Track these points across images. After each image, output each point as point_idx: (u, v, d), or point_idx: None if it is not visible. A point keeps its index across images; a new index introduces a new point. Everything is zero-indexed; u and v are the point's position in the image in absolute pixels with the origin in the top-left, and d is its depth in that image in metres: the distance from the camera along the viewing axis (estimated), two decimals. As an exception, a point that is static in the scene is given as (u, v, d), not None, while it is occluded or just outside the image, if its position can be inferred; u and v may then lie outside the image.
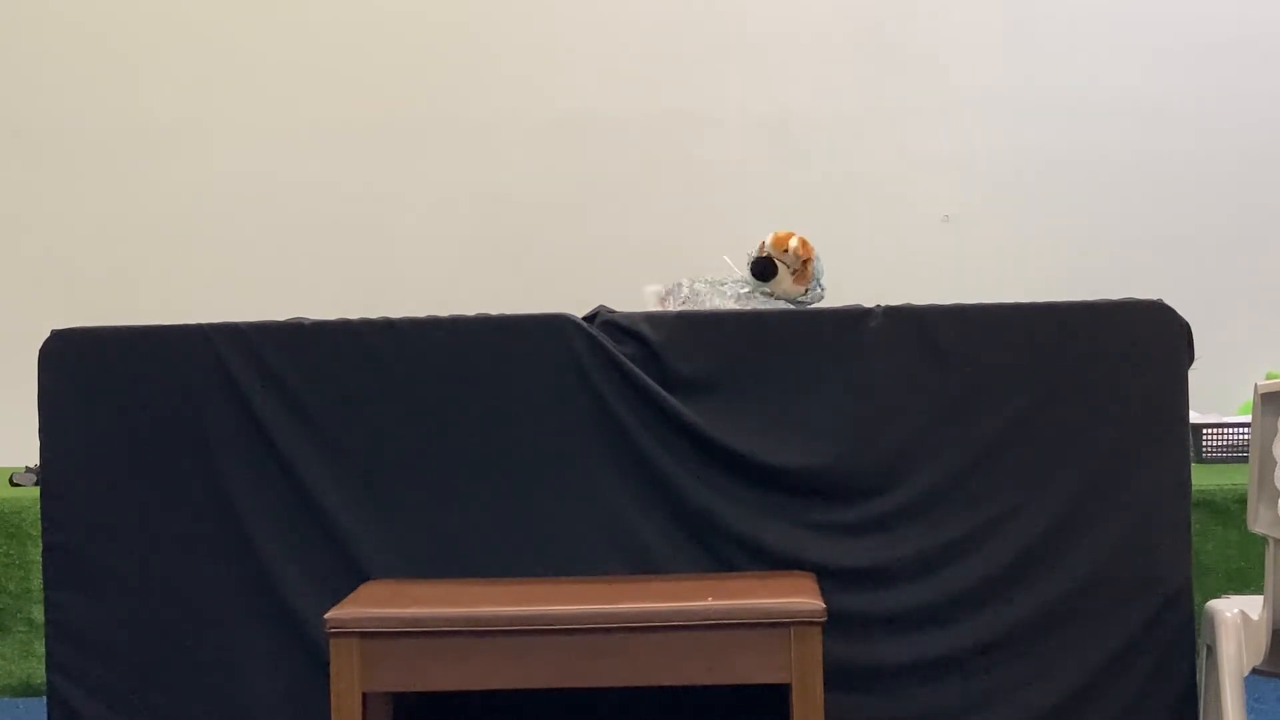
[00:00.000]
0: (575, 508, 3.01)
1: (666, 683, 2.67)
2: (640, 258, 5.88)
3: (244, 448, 3.04)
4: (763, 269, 3.27)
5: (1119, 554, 2.99)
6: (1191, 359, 3.02)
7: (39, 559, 3.42)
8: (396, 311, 3.11)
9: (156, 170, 6.04)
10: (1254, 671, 2.81)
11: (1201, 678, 2.95)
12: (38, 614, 4.44)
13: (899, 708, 2.98)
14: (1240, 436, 5.00)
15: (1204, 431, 5.05)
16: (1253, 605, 2.81)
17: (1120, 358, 3.01)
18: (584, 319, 3.06)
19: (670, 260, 5.82)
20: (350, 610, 2.70)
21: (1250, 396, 2.74)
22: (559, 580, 2.94)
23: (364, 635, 2.66)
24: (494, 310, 3.12)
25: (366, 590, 2.88)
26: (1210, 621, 2.85)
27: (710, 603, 2.66)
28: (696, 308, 3.23)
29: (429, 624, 2.66)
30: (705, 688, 2.90)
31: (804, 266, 3.27)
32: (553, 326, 3.04)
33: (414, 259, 6.00)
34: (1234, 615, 2.80)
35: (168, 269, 5.97)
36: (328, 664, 2.69)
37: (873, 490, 3.01)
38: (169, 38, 6.05)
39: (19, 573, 4.53)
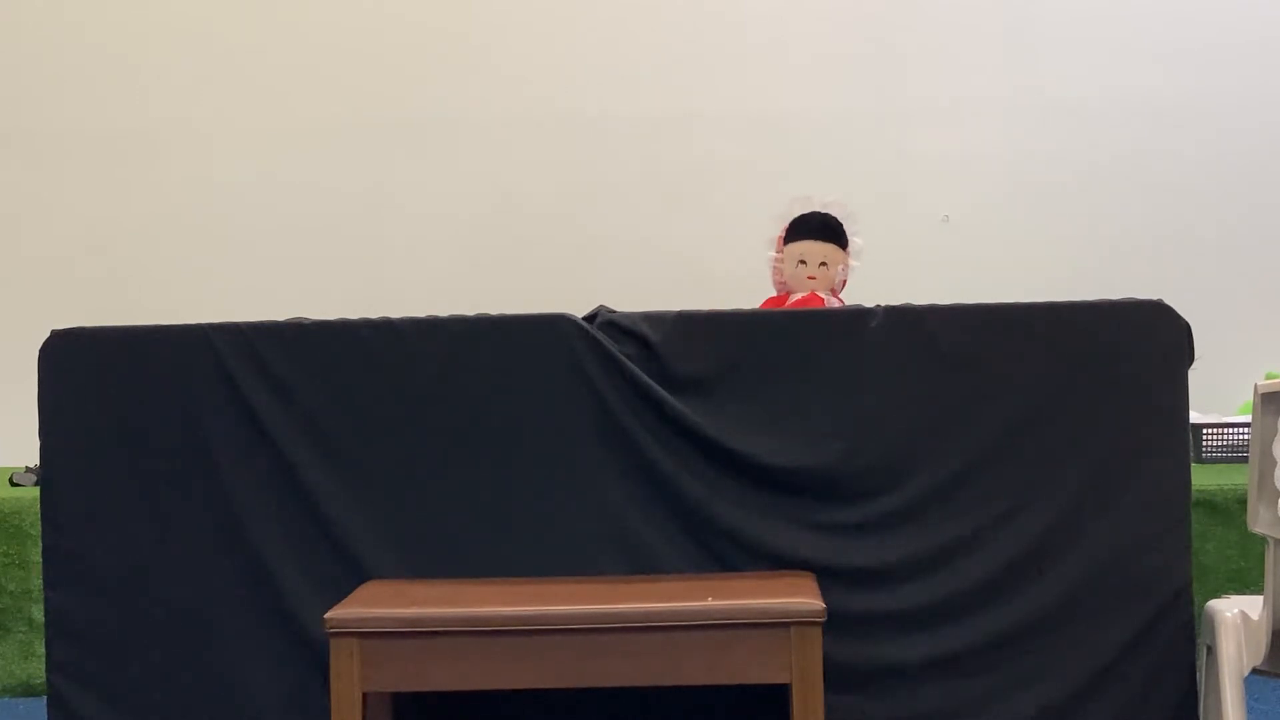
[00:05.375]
0: (575, 508, 3.01)
1: (666, 683, 2.67)
2: (640, 258, 5.89)
3: (244, 448, 3.04)
4: None
5: (1119, 554, 2.99)
6: (1191, 359, 3.02)
7: (39, 559, 3.42)
8: (396, 311, 3.11)
9: (157, 171, 6.04)
10: (1254, 671, 2.81)
11: (1201, 678, 2.95)
12: (38, 614, 4.45)
13: (899, 708, 2.98)
14: (1240, 436, 5.00)
15: (1204, 431, 5.05)
16: (1253, 605, 2.81)
17: (1120, 358, 3.01)
18: (584, 319, 3.06)
19: (670, 260, 5.86)
20: (350, 610, 2.70)
21: (1250, 396, 2.74)
22: (559, 580, 2.94)
23: (364, 635, 2.66)
24: (494, 310, 3.12)
25: (366, 590, 2.88)
26: (1210, 621, 2.85)
27: (710, 603, 2.66)
28: None
29: (429, 624, 2.66)
30: (705, 688, 2.90)
31: None
32: (553, 326, 3.04)
33: (414, 259, 6.00)
34: (1234, 615, 2.80)
35: (168, 269, 5.97)
36: (328, 664, 2.69)
37: (873, 490, 3.01)
38: (169, 39, 6.05)
39: (19, 573, 4.53)
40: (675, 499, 3.01)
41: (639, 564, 3.00)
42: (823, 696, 2.66)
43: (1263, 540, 2.75)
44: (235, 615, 3.03)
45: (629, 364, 3.01)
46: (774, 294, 4.22)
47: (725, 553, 3.01)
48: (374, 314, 3.09)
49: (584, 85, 6.04)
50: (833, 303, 4.09)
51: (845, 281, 4.20)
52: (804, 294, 4.10)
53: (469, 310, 3.14)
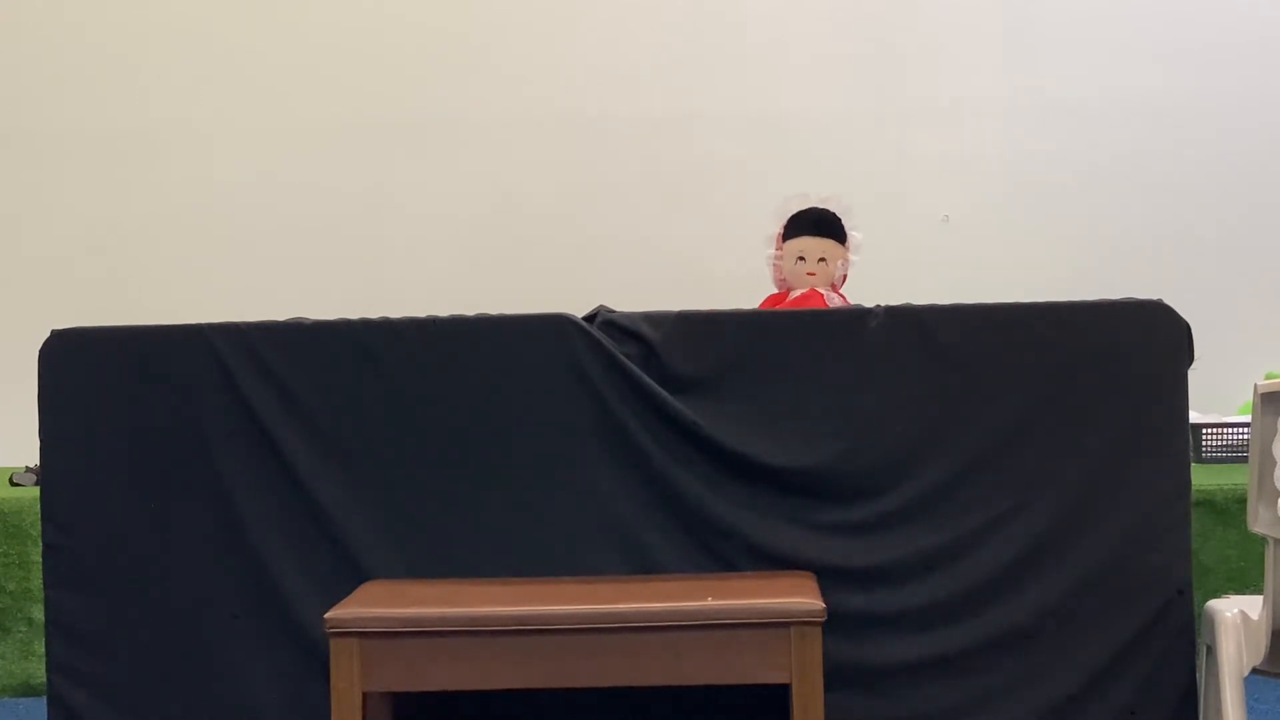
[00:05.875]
0: (575, 508, 3.01)
1: (666, 683, 2.67)
2: (640, 257, 5.89)
3: (244, 448, 3.04)
4: None
5: (1119, 554, 2.99)
6: (1191, 359, 3.02)
7: (39, 559, 3.42)
8: (396, 311, 3.11)
9: (156, 171, 6.04)
10: (1254, 671, 2.81)
11: (1201, 678, 2.95)
12: (38, 614, 4.45)
13: (899, 708, 2.98)
14: (1240, 436, 5.00)
15: (1204, 431, 5.05)
16: (1253, 605, 2.81)
17: (1120, 358, 3.01)
18: (584, 319, 3.06)
19: (670, 260, 5.86)
20: (350, 610, 2.70)
21: (1250, 396, 2.74)
22: (559, 580, 2.94)
23: (364, 635, 2.66)
24: (494, 310, 3.12)
25: (366, 590, 2.88)
26: (1210, 621, 2.85)
27: (710, 603, 2.66)
28: None
29: (429, 624, 2.66)
30: (705, 688, 2.90)
31: None
32: (553, 326, 3.04)
33: (414, 259, 6.00)
34: (1234, 615, 2.80)
35: (168, 269, 5.97)
36: (328, 664, 2.69)
37: (873, 490, 3.01)
38: (169, 39, 6.06)
39: (19, 573, 4.53)
40: (675, 499, 3.01)
41: (639, 564, 3.00)
42: (823, 696, 2.66)
43: (1263, 540, 2.75)
44: (235, 615, 3.03)
45: (629, 364, 3.01)
46: (774, 291, 4.23)
47: (725, 553, 3.01)
48: (374, 314, 3.09)
49: (584, 85, 6.04)
50: (833, 298, 4.11)
51: (845, 276, 4.21)
52: (803, 290, 4.11)
53: (469, 310, 3.14)
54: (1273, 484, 2.68)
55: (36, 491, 3.64)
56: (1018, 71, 5.98)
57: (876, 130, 6.00)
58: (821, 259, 4.14)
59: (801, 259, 4.15)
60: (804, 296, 4.09)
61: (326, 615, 2.69)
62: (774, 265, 4.22)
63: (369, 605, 2.72)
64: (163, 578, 3.04)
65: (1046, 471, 3.00)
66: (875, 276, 4.33)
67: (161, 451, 3.05)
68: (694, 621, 2.65)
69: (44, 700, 3.10)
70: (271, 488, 3.04)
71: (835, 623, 2.83)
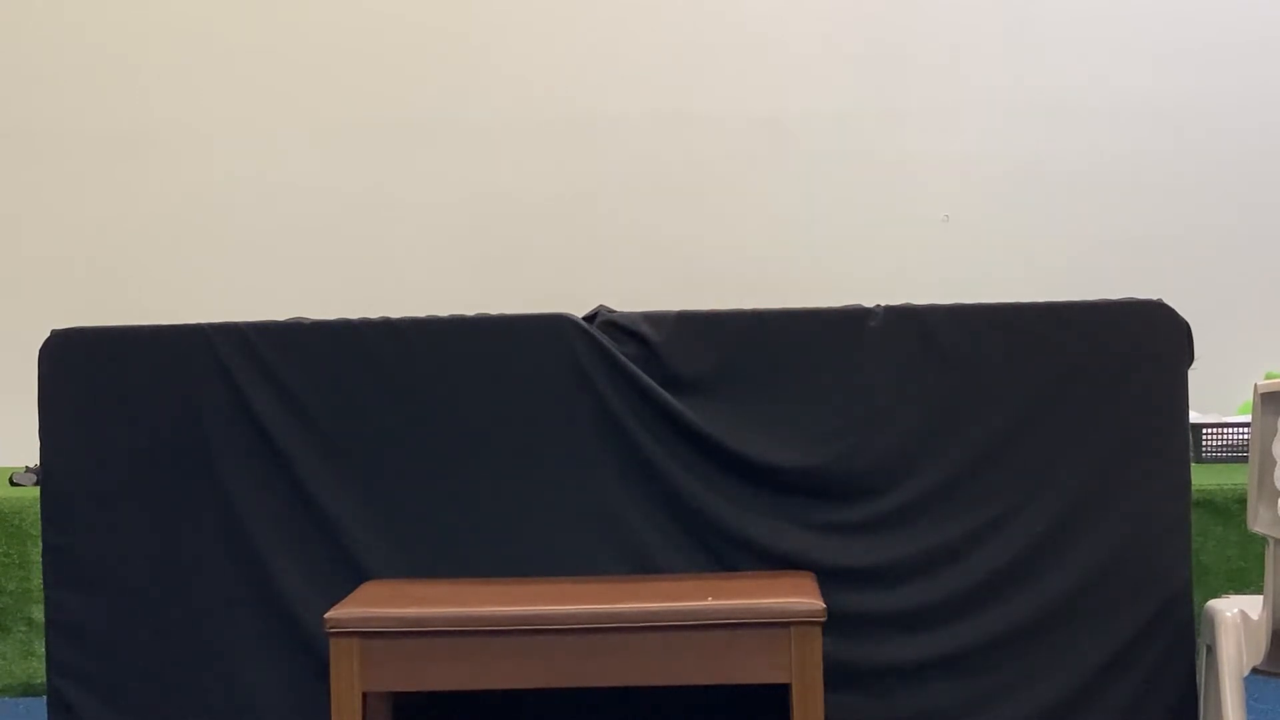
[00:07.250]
0: (575, 508, 3.02)
1: (667, 683, 2.67)
2: (640, 257, 5.89)
3: (244, 448, 3.04)
4: None
5: (1119, 554, 2.99)
6: (1191, 359, 3.02)
7: (39, 559, 3.43)
8: (396, 311, 3.11)
9: (157, 170, 6.04)
10: (1254, 671, 2.81)
11: (1201, 678, 2.95)
12: (38, 614, 4.45)
13: (899, 708, 2.98)
14: (1240, 436, 5.00)
15: (1204, 431, 5.05)
16: (1253, 605, 2.81)
17: (1120, 358, 3.01)
18: (584, 319, 3.06)
19: (670, 261, 5.86)
20: (350, 610, 2.70)
21: (1250, 396, 2.74)
22: (559, 580, 2.94)
23: (364, 635, 2.66)
24: (494, 310, 3.12)
25: (366, 590, 2.88)
26: (1210, 621, 2.85)
27: (710, 603, 2.66)
28: None
29: (429, 624, 2.66)
30: (705, 688, 2.90)
31: None
32: (553, 326, 3.04)
33: (414, 259, 6.00)
34: (1234, 615, 2.80)
35: (168, 269, 5.97)
36: (328, 664, 2.69)
37: (873, 490, 3.01)
38: (169, 39, 6.05)
39: (19, 573, 4.53)
40: (675, 499, 3.01)
41: (639, 564, 3.00)
42: (823, 696, 2.66)
43: (1263, 540, 2.75)
44: (235, 615, 3.03)
45: (629, 364, 3.01)
46: None
47: (725, 553, 3.01)
48: (374, 314, 3.09)
49: (584, 85, 6.03)
50: None
51: None
52: None
53: (469, 310, 3.14)
54: (1273, 484, 2.68)
55: (36, 491, 3.65)
56: (1018, 71, 5.98)
57: (876, 130, 6.00)
58: None
59: None
60: None
61: (326, 615, 2.69)
62: None
63: (369, 605, 2.72)
64: (162, 578, 3.04)
65: (1046, 471, 3.00)
66: (875, 276, 4.33)
67: (161, 451, 3.05)
68: (694, 621, 2.65)
69: (44, 700, 3.10)
70: (271, 488, 3.04)
71: (835, 623, 2.83)
